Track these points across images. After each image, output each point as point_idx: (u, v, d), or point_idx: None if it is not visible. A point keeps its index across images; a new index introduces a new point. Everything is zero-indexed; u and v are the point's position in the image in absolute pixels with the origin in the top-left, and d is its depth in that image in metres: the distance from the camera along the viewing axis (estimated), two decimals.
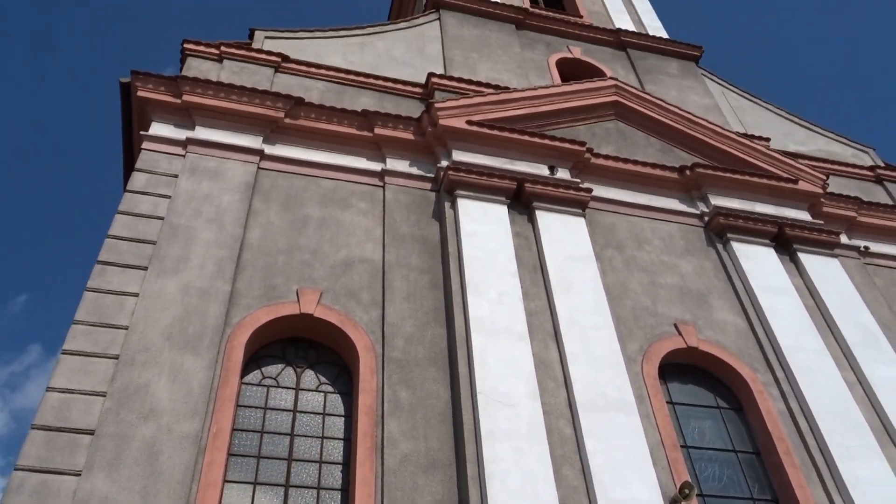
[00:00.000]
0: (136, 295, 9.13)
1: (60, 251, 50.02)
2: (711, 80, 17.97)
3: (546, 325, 10.19)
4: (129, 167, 12.43)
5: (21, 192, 48.80)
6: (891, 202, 15.63)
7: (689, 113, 14.46)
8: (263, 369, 9.50)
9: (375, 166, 12.13)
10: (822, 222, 13.46)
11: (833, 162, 16.20)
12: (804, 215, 13.59)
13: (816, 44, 56.90)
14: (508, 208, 11.73)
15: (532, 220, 11.69)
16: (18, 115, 49.56)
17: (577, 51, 17.13)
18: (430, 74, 13.96)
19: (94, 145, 49.79)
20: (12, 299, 52.27)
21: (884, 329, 12.24)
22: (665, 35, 19.16)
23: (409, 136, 12.45)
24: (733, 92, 17.78)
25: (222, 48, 13.21)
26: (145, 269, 9.47)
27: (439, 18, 16.48)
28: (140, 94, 11.53)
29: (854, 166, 16.30)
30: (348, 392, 9.53)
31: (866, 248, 14.05)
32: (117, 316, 8.85)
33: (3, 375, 50.75)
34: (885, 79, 53.46)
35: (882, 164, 16.69)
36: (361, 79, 13.78)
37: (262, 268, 10.04)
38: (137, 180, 10.56)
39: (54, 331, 53.25)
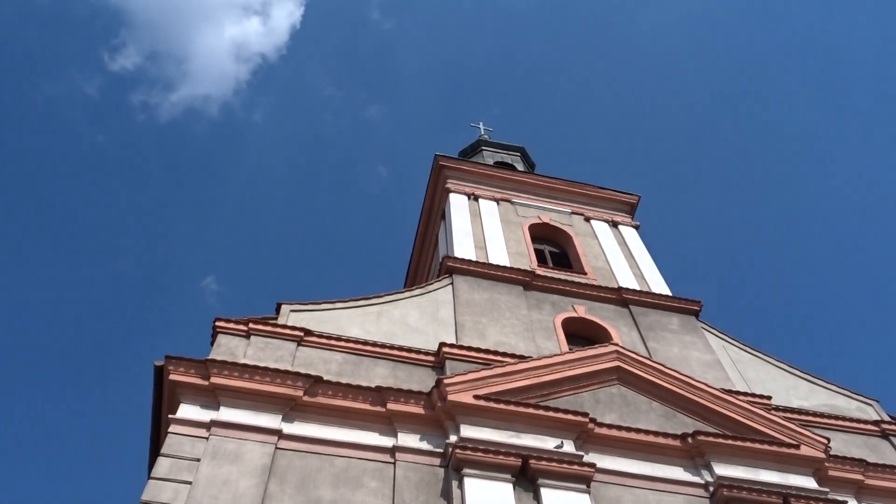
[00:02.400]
0: None
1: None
2: (712, 333, 18.84)
3: None
4: (155, 447, 13.16)
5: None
6: (895, 459, 15.73)
7: (689, 378, 15.16)
8: None
9: (387, 442, 12.75)
10: (827, 490, 13.58)
11: (837, 417, 16.54)
12: (810, 482, 13.74)
13: (815, 294, 59.28)
14: (514, 485, 12.12)
15: (538, 498, 12.03)
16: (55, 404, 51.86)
17: (581, 309, 18.27)
18: (442, 344, 14.99)
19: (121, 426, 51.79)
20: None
21: None
22: (666, 288, 20.40)
23: (419, 410, 13.19)
24: (734, 345, 18.58)
25: (250, 325, 14.43)
26: None
27: (452, 283, 17.85)
28: (172, 377, 12.56)
29: (859, 421, 16.60)
30: None
31: None
32: None
33: None
34: (887, 327, 54.84)
35: (886, 419, 16.97)
36: (377, 349, 14.82)
37: None
38: (161, 466, 11.25)
39: None
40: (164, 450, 11.57)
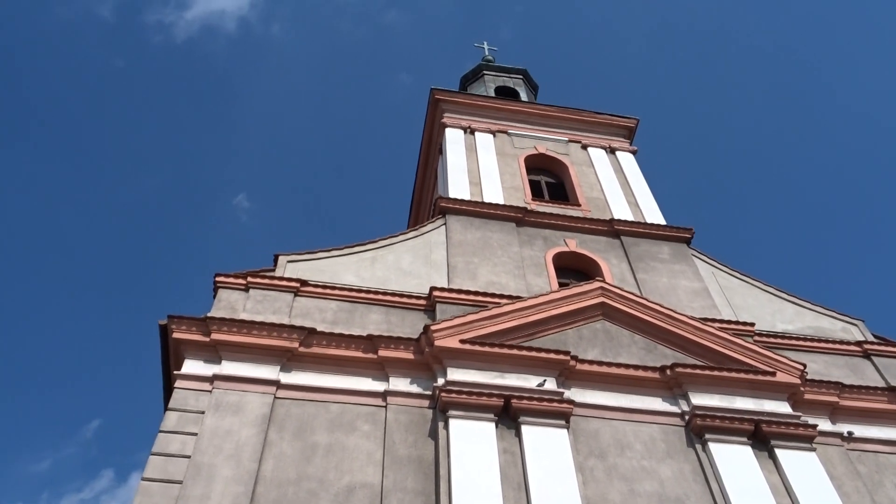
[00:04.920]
0: None
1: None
2: (702, 260, 19.29)
3: None
4: (168, 397, 14.19)
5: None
6: (876, 379, 16.36)
7: (671, 310, 15.75)
8: None
9: (379, 386, 13.64)
10: (799, 415, 14.30)
11: (820, 340, 17.12)
12: (784, 407, 14.48)
13: (808, 214, 58.84)
14: (497, 424, 13.00)
15: (519, 435, 12.92)
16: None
17: (572, 243, 18.77)
18: (432, 288, 15.68)
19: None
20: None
21: None
22: (660, 216, 20.74)
23: (409, 355, 14.01)
24: (723, 272, 19.04)
25: (248, 279, 15.21)
26: None
27: (445, 224, 18.38)
28: (175, 335, 13.46)
29: (842, 342, 17.19)
30: None
31: (850, 433, 14.76)
32: None
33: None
34: (874, 245, 54.63)
35: (869, 339, 17.52)
36: (371, 296, 15.57)
37: (274, 500, 11.45)
38: (169, 420, 12.28)
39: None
40: (171, 404, 12.58)
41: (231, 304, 14.76)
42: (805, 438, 13.85)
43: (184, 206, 64.13)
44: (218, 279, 15.15)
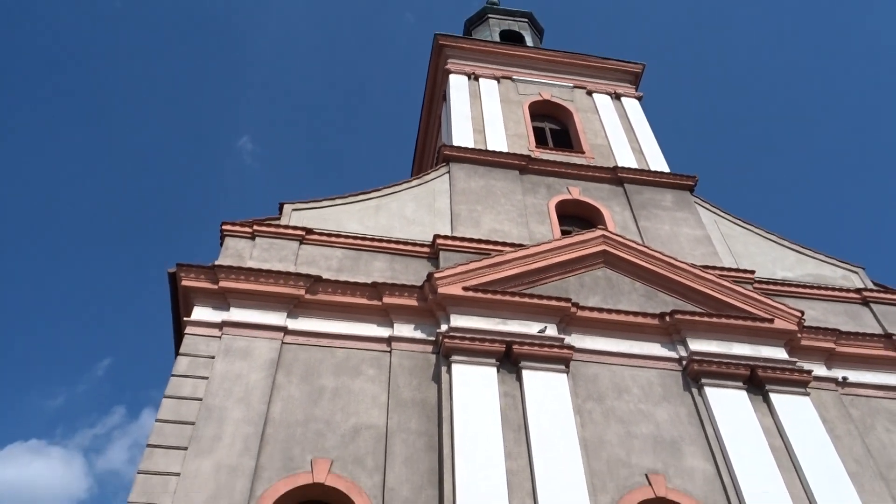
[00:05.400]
0: (178, 475, 11.07)
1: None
2: (705, 208, 19.40)
3: (525, 483, 11.70)
4: (179, 343, 14.58)
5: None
6: (874, 326, 16.62)
7: (671, 258, 15.95)
8: None
9: (384, 332, 13.98)
10: (795, 360, 14.61)
11: (820, 287, 17.34)
12: (780, 353, 14.78)
13: (813, 162, 58.29)
14: (498, 369, 13.35)
15: (520, 379, 13.28)
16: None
17: (575, 191, 18.87)
18: (436, 236, 15.89)
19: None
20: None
21: (854, 466, 13.25)
22: (664, 163, 20.77)
23: (413, 302, 14.31)
24: (726, 219, 19.16)
25: (255, 227, 15.44)
26: (185, 449, 11.43)
27: (449, 172, 18.48)
28: (184, 283, 13.75)
29: (841, 290, 17.40)
30: None
31: (845, 378, 15.09)
32: (162, 496, 10.79)
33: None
34: (879, 193, 54.27)
35: (869, 287, 17.72)
36: (375, 244, 15.80)
37: (282, 440, 11.90)
38: (181, 364, 12.66)
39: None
40: (181, 349, 12.95)
41: (238, 251, 15.02)
42: (799, 383, 14.18)
43: (189, 150, 64.04)
44: (224, 227, 15.38)
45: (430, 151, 25.15)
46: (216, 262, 14.25)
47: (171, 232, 60.45)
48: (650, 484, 12.15)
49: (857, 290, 17.45)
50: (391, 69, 71.36)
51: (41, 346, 55.46)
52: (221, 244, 15.28)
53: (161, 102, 66.14)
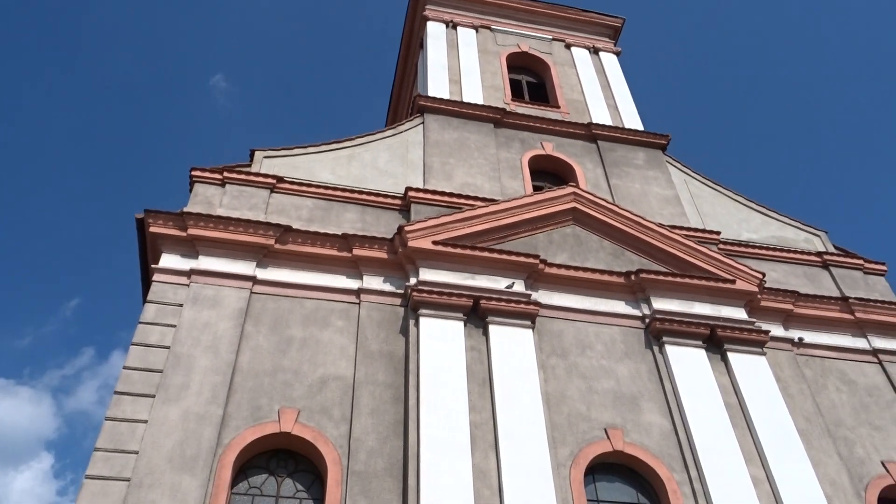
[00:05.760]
0: (146, 422, 11.21)
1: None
2: (676, 167, 19.57)
3: (488, 436, 12.04)
4: (147, 289, 14.55)
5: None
6: (832, 289, 17.10)
7: (639, 217, 16.15)
8: (250, 479, 11.51)
9: (353, 284, 14.08)
10: (753, 321, 15.03)
11: (782, 249, 17.73)
12: (740, 313, 15.18)
13: (787, 125, 58.64)
14: (465, 323, 13.57)
15: (486, 334, 13.52)
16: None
17: (549, 146, 18.90)
18: (408, 189, 15.89)
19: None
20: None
21: (804, 423, 13.81)
22: (638, 121, 20.83)
23: (383, 255, 14.39)
24: (695, 179, 19.38)
25: (224, 174, 15.30)
26: (153, 396, 11.54)
27: (423, 122, 18.37)
28: (152, 229, 13.66)
29: (802, 252, 17.81)
30: (321, 498, 11.47)
31: (801, 339, 15.57)
32: (130, 442, 10.94)
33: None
34: (847, 159, 54.95)
35: (829, 250, 18.16)
36: (346, 194, 15.77)
37: (250, 389, 12.06)
38: (148, 312, 12.68)
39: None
40: (149, 297, 12.94)
41: (207, 198, 14.91)
42: (756, 343, 14.62)
43: (160, 88, 62.46)
44: (194, 174, 15.22)
45: (406, 100, 24.90)
46: (185, 209, 14.15)
47: (142, 173, 59.36)
48: (608, 438, 12.56)
49: (818, 254, 17.87)
50: (368, 12, 69.79)
51: (7, 287, 54.75)
52: (191, 190, 15.15)
53: (134, 40, 64.13)
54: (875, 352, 15.79)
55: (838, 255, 17.97)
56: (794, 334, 15.64)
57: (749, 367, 14.22)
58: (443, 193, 16.05)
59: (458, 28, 22.65)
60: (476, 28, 22.91)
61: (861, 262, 18.00)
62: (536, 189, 17.73)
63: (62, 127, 57.78)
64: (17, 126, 55.84)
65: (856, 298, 16.36)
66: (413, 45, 24.32)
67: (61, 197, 56.52)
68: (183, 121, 62.30)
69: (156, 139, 59.83)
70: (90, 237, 57.32)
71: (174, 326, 12.57)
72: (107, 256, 55.48)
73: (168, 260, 13.56)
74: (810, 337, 15.76)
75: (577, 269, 14.93)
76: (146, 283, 14.67)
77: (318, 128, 65.64)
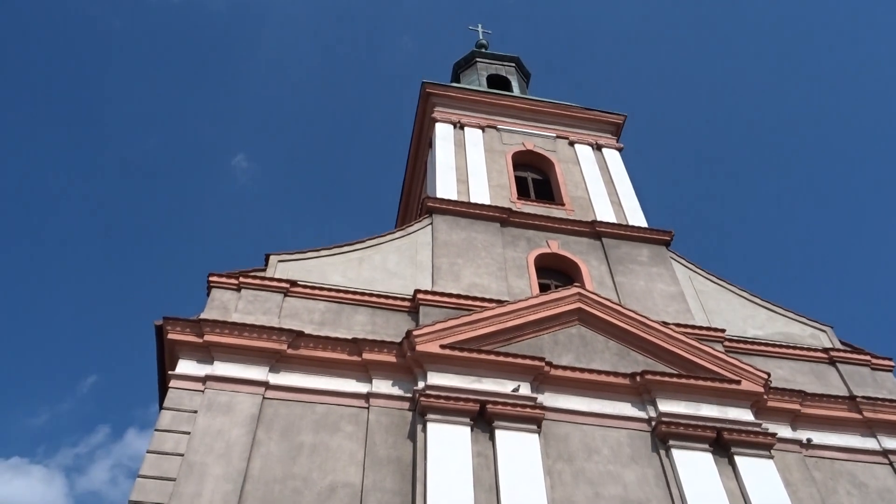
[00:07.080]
0: None
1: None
2: (680, 263, 19.97)
3: None
4: (163, 391, 14.90)
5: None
6: (840, 386, 17.16)
7: (644, 317, 16.46)
8: None
9: (363, 388, 14.38)
10: (760, 423, 15.10)
11: (788, 346, 17.89)
12: (747, 414, 15.27)
13: (789, 220, 59.83)
14: (472, 428, 13.76)
15: (493, 439, 13.69)
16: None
17: (554, 244, 19.41)
18: (416, 291, 16.36)
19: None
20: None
21: None
22: (642, 217, 21.38)
23: (392, 359, 14.74)
24: (699, 275, 19.74)
25: (241, 279, 15.86)
26: None
27: (432, 223, 18.99)
28: (170, 336, 14.14)
29: (809, 349, 17.95)
30: None
31: (809, 440, 15.58)
32: None
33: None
34: (852, 251, 55.75)
35: (836, 346, 18.31)
36: (357, 297, 16.25)
37: (260, 497, 12.25)
38: (164, 419, 13.01)
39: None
40: (166, 403, 13.31)
41: (224, 303, 15.42)
42: (764, 446, 14.66)
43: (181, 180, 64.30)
44: (211, 279, 15.79)
45: (416, 197, 25.67)
46: (201, 316, 14.65)
47: (160, 278, 60.53)
48: None
49: (825, 350, 18.01)
50: (380, 114, 72.36)
51: (26, 364, 55.31)
52: (208, 294, 15.68)
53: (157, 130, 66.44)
54: (885, 452, 15.73)
55: (845, 350, 18.10)
56: (803, 435, 15.67)
57: (757, 471, 14.22)
58: (451, 295, 16.49)
59: (466, 128, 23.57)
60: (483, 128, 23.84)
61: (868, 357, 18.11)
62: (543, 287, 18.14)
63: (88, 223, 59.30)
64: (46, 206, 57.32)
65: (863, 397, 16.43)
66: (422, 144, 25.26)
67: (85, 277, 57.57)
68: (202, 222, 63.71)
69: (173, 245, 61.12)
70: (111, 307, 58.03)
71: (188, 434, 12.87)
72: (127, 333, 56.05)
73: (185, 366, 13.97)
74: (819, 437, 15.76)
75: (582, 370, 15.18)
76: (163, 385, 15.03)
77: (332, 225, 67.09)
